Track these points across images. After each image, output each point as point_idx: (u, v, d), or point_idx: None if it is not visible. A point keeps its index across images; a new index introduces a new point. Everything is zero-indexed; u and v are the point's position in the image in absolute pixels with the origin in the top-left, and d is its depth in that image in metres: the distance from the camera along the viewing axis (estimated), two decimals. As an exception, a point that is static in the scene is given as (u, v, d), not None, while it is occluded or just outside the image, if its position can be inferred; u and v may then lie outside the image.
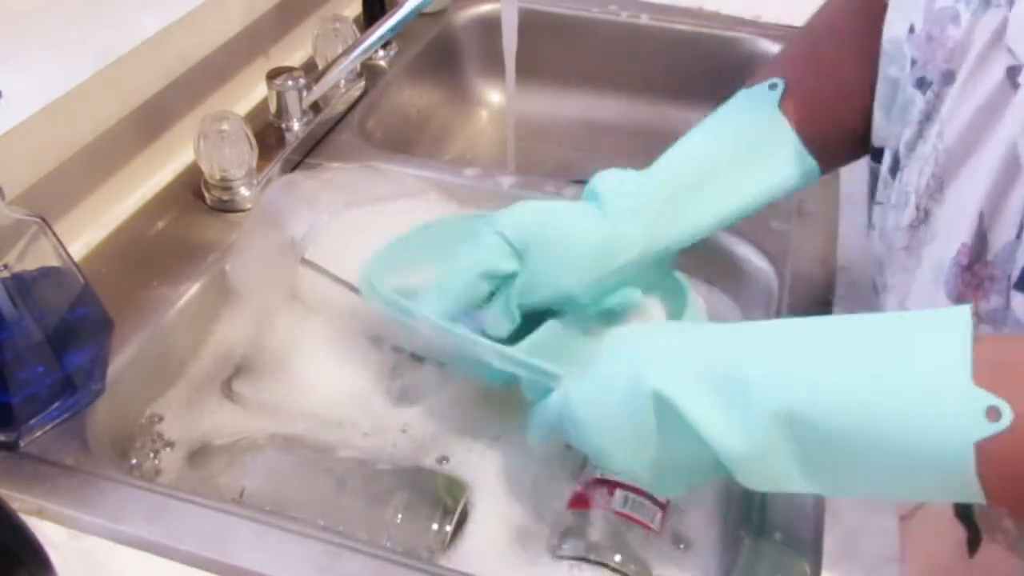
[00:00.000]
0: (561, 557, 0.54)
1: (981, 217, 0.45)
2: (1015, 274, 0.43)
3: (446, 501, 0.57)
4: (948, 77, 0.48)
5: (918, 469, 0.39)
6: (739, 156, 0.59)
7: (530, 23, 0.94)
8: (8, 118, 0.61)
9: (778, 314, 0.67)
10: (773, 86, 0.59)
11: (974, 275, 0.46)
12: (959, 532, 0.53)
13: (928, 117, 0.49)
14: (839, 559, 0.50)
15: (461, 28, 1.10)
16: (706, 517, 0.57)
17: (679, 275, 0.62)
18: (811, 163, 0.59)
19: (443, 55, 1.09)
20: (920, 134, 0.50)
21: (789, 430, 0.41)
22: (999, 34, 0.44)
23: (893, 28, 0.53)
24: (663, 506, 0.56)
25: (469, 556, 0.55)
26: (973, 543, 0.53)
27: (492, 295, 0.58)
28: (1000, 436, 0.35)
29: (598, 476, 0.56)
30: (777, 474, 0.42)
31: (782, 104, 0.58)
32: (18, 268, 0.53)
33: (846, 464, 0.41)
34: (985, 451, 0.36)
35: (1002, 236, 0.44)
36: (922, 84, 0.50)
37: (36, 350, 0.54)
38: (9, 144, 0.61)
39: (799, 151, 0.58)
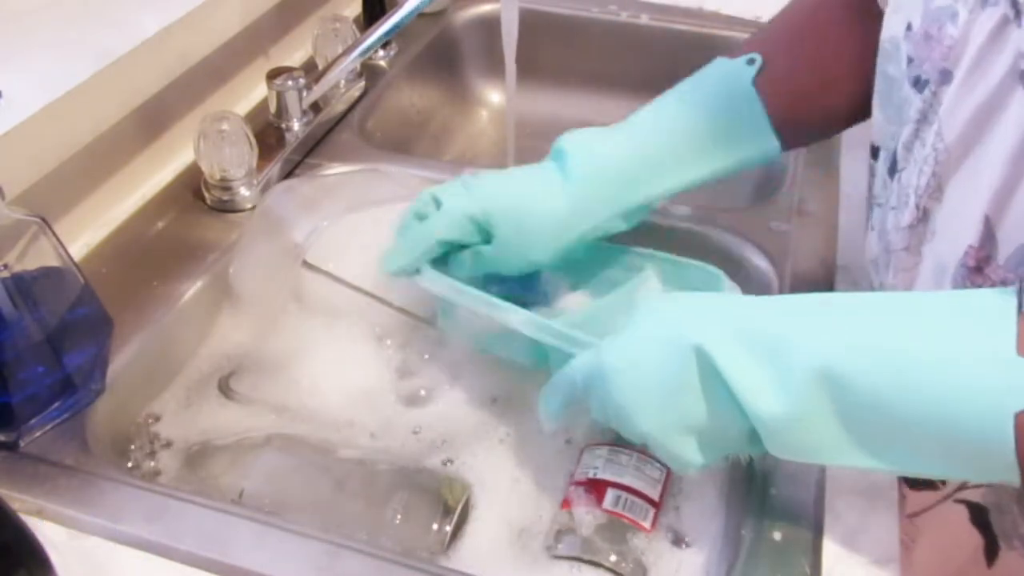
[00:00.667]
0: (557, 557, 0.54)
1: (987, 220, 0.44)
2: None
3: (446, 501, 0.57)
4: (946, 76, 0.47)
5: (958, 440, 0.39)
6: (707, 128, 0.60)
7: (530, 23, 0.94)
8: (8, 118, 0.61)
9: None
10: (751, 61, 0.60)
11: (985, 278, 0.46)
12: (975, 540, 0.53)
13: (925, 117, 0.49)
14: (839, 559, 0.50)
15: (461, 28, 1.10)
16: (705, 516, 0.57)
17: (712, 267, 0.63)
18: (775, 144, 0.60)
19: (443, 55, 1.09)
20: (917, 134, 0.50)
21: (828, 390, 0.41)
22: (997, 32, 0.44)
23: (891, 27, 0.53)
24: (656, 505, 0.56)
25: (469, 556, 0.55)
26: (991, 551, 0.52)
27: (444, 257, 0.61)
28: None
29: (590, 476, 0.56)
30: (814, 439, 0.42)
31: (756, 80, 0.59)
32: (18, 268, 0.53)
33: (885, 431, 0.41)
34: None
35: (1012, 239, 0.44)
36: (918, 83, 0.50)
37: (36, 350, 0.54)
38: (9, 144, 0.61)
39: (766, 130, 0.60)
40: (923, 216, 0.50)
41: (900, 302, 0.43)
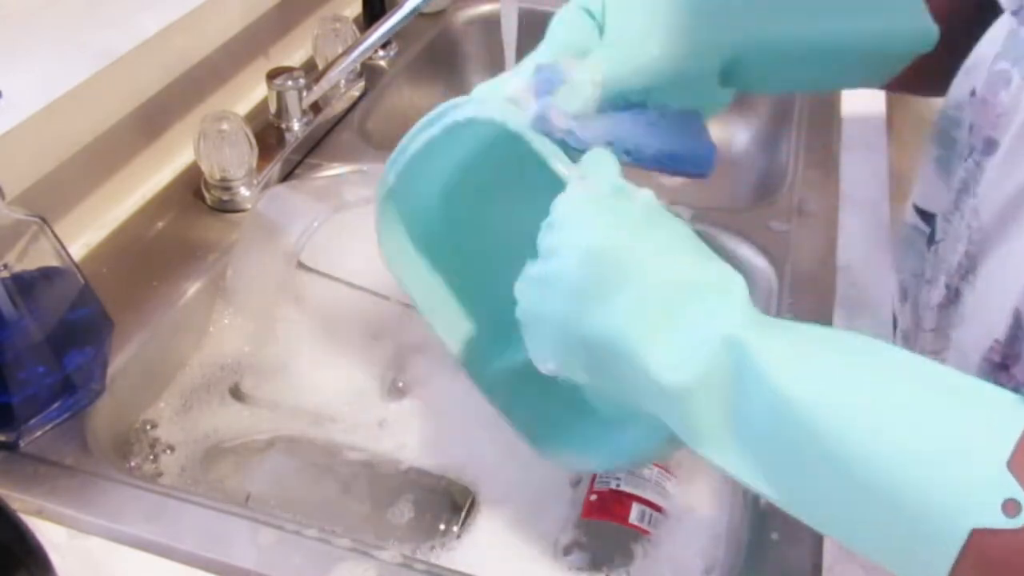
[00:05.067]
0: (570, 567, 0.54)
1: (1017, 314, 0.40)
2: None
3: (452, 502, 0.57)
4: (991, 146, 0.43)
5: (891, 522, 0.32)
6: None
7: (530, 23, 0.94)
8: (8, 118, 0.61)
9: (778, 314, 0.67)
10: None
11: (1010, 377, 0.41)
12: None
13: (967, 187, 0.45)
14: (839, 559, 0.50)
15: (461, 28, 1.10)
16: (706, 518, 0.57)
17: None
18: (928, 27, 0.47)
19: (443, 55, 1.09)
20: (957, 206, 0.46)
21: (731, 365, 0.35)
22: None
23: (958, 90, 0.49)
24: (664, 511, 0.56)
25: (474, 557, 0.55)
26: None
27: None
28: (1003, 533, 0.30)
29: (612, 487, 0.56)
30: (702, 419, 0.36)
31: None
32: (18, 268, 0.53)
33: (794, 457, 0.34)
34: (977, 543, 0.30)
35: None
36: (971, 151, 0.45)
37: (36, 350, 0.54)
38: (9, 144, 0.61)
39: (919, 8, 0.48)
40: (954, 297, 0.45)
41: (902, 355, 0.35)
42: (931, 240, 0.49)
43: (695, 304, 0.36)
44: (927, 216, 0.52)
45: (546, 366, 0.41)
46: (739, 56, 0.47)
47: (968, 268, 0.44)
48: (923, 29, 0.48)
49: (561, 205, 0.40)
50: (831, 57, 0.49)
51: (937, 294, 0.47)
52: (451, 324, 0.51)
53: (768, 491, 0.35)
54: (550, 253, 0.39)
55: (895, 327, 0.61)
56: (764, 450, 0.35)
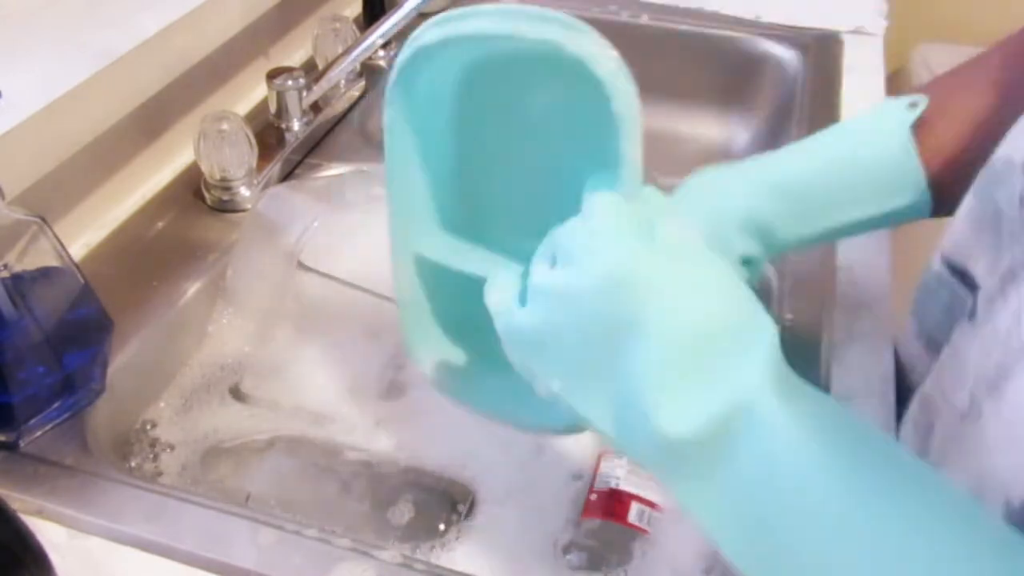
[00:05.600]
0: (572, 568, 0.54)
1: None
2: None
3: (452, 502, 0.57)
4: None
5: None
6: (860, 178, 0.52)
7: (530, 23, 0.94)
8: (8, 118, 0.61)
9: (779, 314, 0.67)
10: (913, 105, 0.51)
11: None
12: None
13: (1014, 277, 0.39)
14: (839, 559, 0.50)
15: (461, 28, 1.10)
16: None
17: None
18: (927, 200, 0.51)
19: (443, 55, 1.09)
20: (1002, 290, 0.40)
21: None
22: None
23: (1010, 146, 0.44)
24: (664, 511, 0.56)
25: (474, 557, 0.55)
26: None
27: None
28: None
29: (612, 486, 0.56)
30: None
31: (916, 126, 0.50)
32: (18, 268, 0.53)
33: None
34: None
35: None
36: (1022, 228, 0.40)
37: (36, 350, 0.54)
38: (9, 144, 0.61)
39: (918, 185, 0.51)
40: (976, 415, 0.40)
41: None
42: (972, 313, 0.45)
43: (714, 358, 0.35)
44: (960, 273, 0.49)
45: (549, 388, 0.39)
46: (760, 253, 0.51)
47: (996, 378, 0.38)
48: (922, 202, 0.51)
49: (600, 205, 0.37)
50: (840, 233, 0.53)
51: (960, 401, 0.42)
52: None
53: (725, 549, 0.34)
54: (572, 260, 0.37)
55: (897, 352, 0.61)
56: (739, 515, 0.34)
